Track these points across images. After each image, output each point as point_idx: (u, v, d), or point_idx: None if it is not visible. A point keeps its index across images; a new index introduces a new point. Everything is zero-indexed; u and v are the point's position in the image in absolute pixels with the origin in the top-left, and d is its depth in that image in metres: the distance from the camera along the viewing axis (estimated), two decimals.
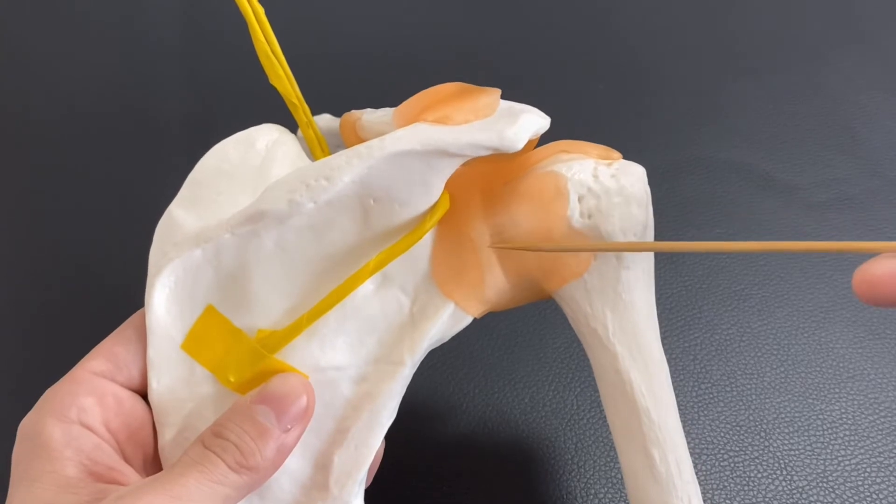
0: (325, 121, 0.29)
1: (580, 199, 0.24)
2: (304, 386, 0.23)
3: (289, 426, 0.22)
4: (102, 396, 0.23)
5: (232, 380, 0.23)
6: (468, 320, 0.25)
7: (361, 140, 0.26)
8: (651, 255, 0.25)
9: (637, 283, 0.25)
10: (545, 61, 0.52)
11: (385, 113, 0.25)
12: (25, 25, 0.55)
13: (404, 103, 0.25)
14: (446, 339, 0.25)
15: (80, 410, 0.22)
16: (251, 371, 0.23)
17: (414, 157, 0.22)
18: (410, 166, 0.22)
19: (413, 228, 0.24)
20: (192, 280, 0.24)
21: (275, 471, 0.23)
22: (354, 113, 0.27)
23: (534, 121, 0.23)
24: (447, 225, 0.25)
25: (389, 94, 0.28)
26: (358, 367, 0.24)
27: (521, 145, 0.23)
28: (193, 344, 0.24)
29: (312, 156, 0.27)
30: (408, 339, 0.24)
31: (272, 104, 0.28)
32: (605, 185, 0.24)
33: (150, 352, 0.24)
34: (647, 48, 0.53)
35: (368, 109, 0.27)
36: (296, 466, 0.24)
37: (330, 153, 0.28)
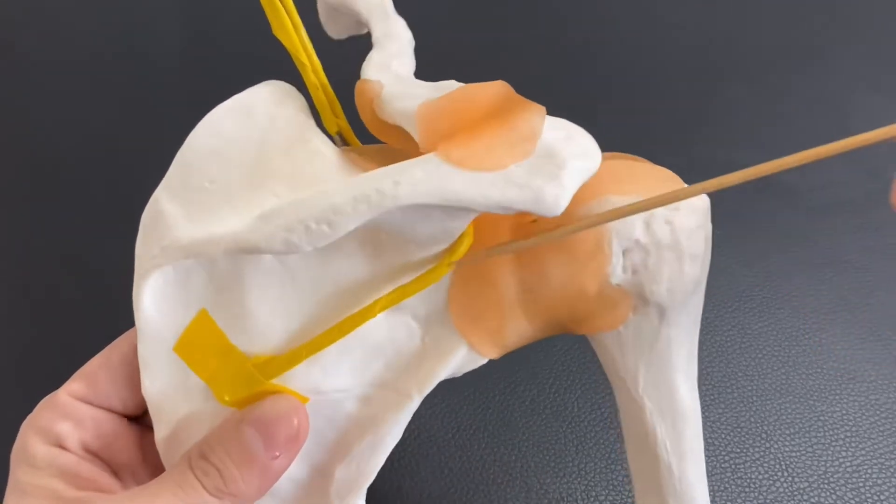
0: None
1: (625, 253, 0.21)
2: (296, 411, 0.22)
3: (277, 453, 0.21)
4: (81, 420, 0.23)
5: (227, 399, 0.22)
6: (483, 361, 0.23)
7: (379, 120, 0.22)
8: (701, 300, 0.23)
9: (679, 339, 0.22)
10: (544, 64, 0.52)
11: (410, 102, 0.20)
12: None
13: (433, 105, 0.20)
14: (458, 374, 0.24)
15: (59, 435, 0.23)
16: (246, 392, 0.22)
17: (432, 208, 0.19)
18: (428, 213, 0.19)
19: (430, 267, 0.22)
20: (184, 279, 0.22)
21: (260, 496, 0.22)
22: (374, 83, 0.22)
23: (581, 171, 0.19)
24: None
25: None
26: (363, 387, 0.23)
27: (560, 211, 0.19)
28: (186, 348, 0.22)
29: (323, 123, 0.24)
30: (416, 374, 0.23)
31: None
32: (656, 238, 0.21)
33: (142, 350, 0.22)
34: (646, 50, 0.53)
35: (392, 76, 0.22)
36: (295, 471, 0.23)
37: (345, 120, 0.24)
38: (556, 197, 0.18)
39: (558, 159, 0.19)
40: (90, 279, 0.42)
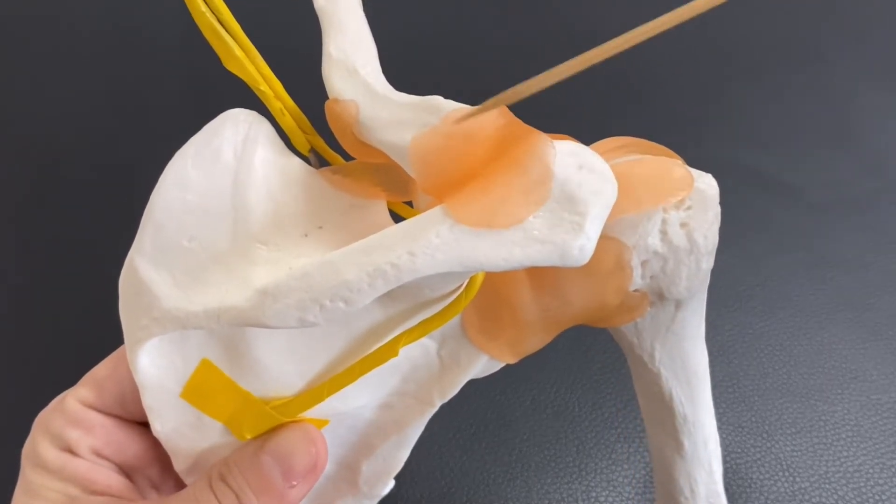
0: None
1: (643, 264, 0.21)
2: (314, 442, 0.22)
3: (294, 483, 0.22)
4: (90, 428, 0.23)
5: (248, 437, 0.22)
6: (502, 364, 0.23)
7: (360, 143, 0.21)
8: (706, 281, 0.23)
9: (692, 317, 0.23)
10: (544, 64, 0.52)
11: (398, 134, 0.19)
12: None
13: (426, 142, 0.18)
14: (480, 377, 0.24)
15: (69, 441, 0.22)
16: (266, 428, 0.22)
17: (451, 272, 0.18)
18: (446, 274, 0.18)
19: (447, 302, 0.21)
20: (179, 337, 0.21)
21: None
22: (348, 104, 0.20)
23: (604, 212, 0.18)
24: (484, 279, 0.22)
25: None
26: (382, 397, 0.23)
27: (587, 260, 0.18)
28: (194, 395, 0.21)
29: (294, 146, 0.23)
30: (438, 384, 0.23)
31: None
32: (673, 245, 0.21)
33: (147, 400, 0.21)
34: (648, 50, 0.53)
35: (363, 87, 0.20)
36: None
37: (319, 137, 0.23)
38: (582, 248, 0.17)
39: (579, 205, 0.17)
40: (91, 276, 0.42)
